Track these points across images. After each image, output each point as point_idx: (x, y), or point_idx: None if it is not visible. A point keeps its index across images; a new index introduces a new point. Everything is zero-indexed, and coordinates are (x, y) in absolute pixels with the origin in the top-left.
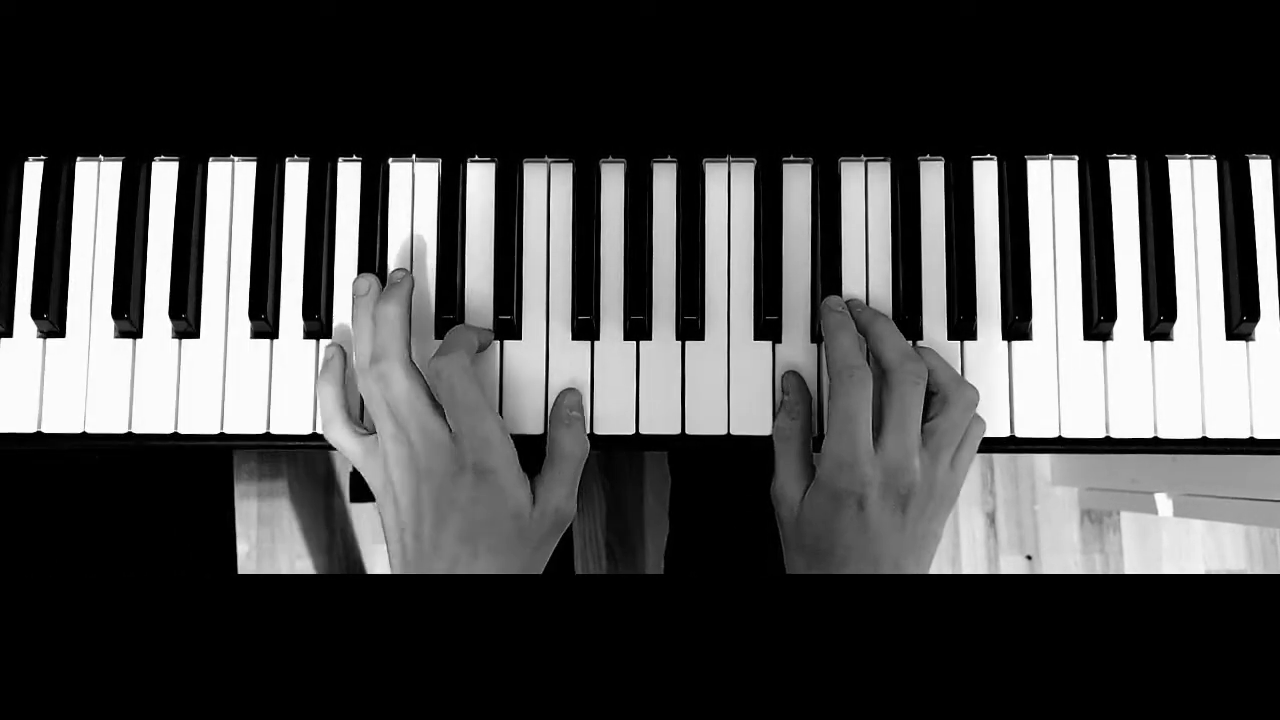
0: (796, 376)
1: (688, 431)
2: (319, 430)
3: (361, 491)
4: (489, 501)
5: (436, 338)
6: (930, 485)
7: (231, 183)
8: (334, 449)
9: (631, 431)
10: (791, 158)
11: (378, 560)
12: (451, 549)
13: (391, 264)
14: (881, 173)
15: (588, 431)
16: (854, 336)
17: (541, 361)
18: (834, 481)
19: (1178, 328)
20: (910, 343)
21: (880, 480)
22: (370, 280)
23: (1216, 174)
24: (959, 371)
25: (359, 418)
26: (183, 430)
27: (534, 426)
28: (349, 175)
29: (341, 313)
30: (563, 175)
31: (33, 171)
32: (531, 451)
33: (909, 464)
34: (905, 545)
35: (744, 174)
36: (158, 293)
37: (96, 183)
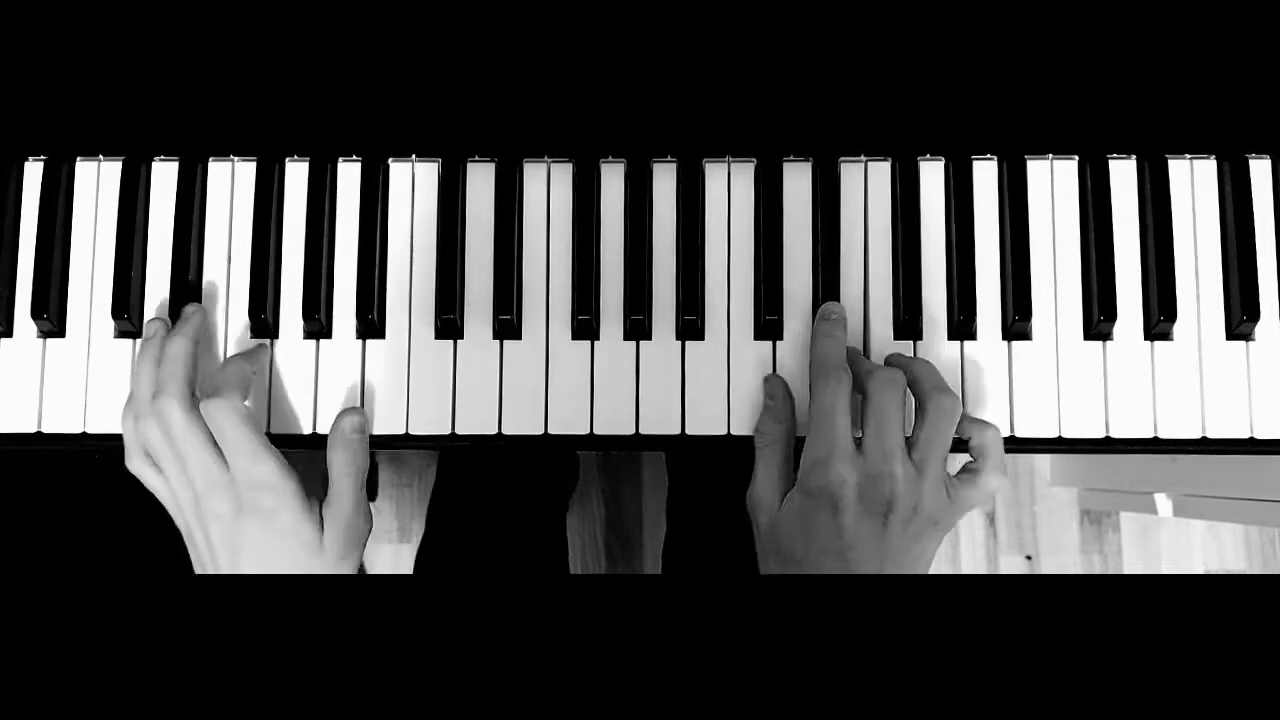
0: (781, 381)
1: (688, 432)
2: (319, 431)
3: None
4: (275, 540)
5: (437, 338)
6: (915, 500)
7: (231, 183)
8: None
9: (631, 431)
10: (791, 158)
11: (378, 560)
12: None
13: (391, 264)
14: (881, 173)
15: (592, 428)
16: (841, 343)
17: (541, 362)
18: (808, 479)
19: (1178, 328)
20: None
21: (856, 481)
22: (159, 325)
23: (1216, 174)
24: (959, 374)
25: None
26: None
27: (534, 428)
28: (349, 175)
29: (342, 313)
30: (563, 175)
31: (33, 171)
32: (533, 452)
33: (887, 469)
34: (887, 556)
35: (744, 174)
36: (158, 293)
37: (96, 183)
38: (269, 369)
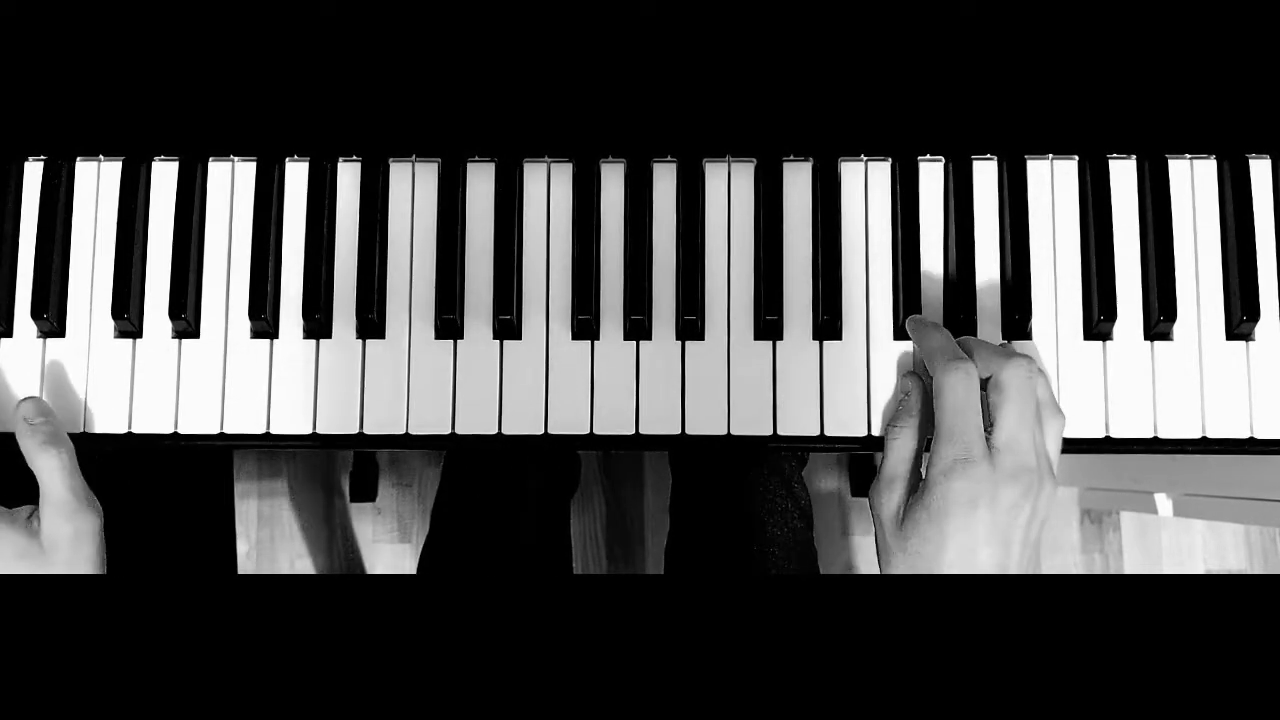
0: (917, 378)
1: (688, 431)
2: (319, 430)
3: (361, 491)
4: None
5: (437, 338)
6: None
7: (231, 183)
8: (339, 448)
9: (631, 431)
10: (791, 158)
11: (378, 560)
12: None
13: (391, 264)
14: (881, 173)
15: (592, 428)
16: (945, 333)
17: (541, 362)
18: (946, 478)
19: (1178, 328)
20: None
21: (995, 475)
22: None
23: (1216, 174)
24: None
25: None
26: (183, 430)
27: (534, 428)
28: (349, 175)
29: (342, 313)
30: (563, 175)
31: (33, 171)
32: (534, 453)
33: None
34: (995, 536)
35: (744, 174)
36: (158, 293)
37: (96, 183)
38: (269, 368)
